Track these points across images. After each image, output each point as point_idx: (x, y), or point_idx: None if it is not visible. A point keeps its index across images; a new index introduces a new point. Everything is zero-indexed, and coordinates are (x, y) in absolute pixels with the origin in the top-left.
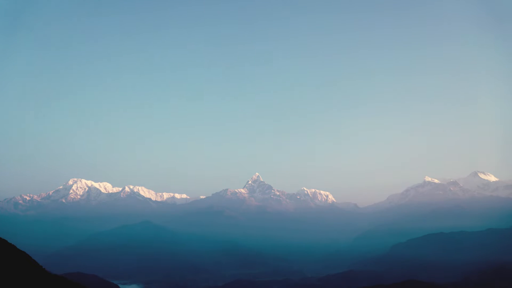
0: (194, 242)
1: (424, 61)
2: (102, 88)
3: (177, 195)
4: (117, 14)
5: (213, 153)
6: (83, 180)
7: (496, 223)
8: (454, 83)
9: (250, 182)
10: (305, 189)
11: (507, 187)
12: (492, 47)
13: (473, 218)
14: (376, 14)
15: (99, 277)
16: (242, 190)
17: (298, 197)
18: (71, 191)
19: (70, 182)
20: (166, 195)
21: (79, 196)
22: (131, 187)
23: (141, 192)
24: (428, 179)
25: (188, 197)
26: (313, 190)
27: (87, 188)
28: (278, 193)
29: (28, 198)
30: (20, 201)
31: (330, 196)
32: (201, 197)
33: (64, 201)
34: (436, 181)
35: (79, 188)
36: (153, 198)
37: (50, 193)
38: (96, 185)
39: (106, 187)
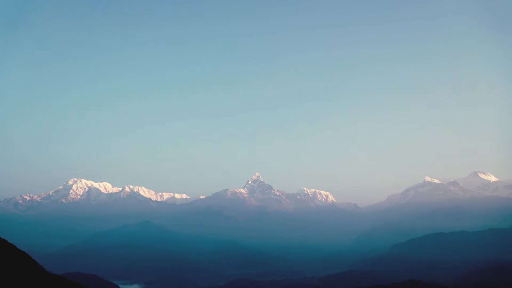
0: (194, 242)
1: (424, 61)
2: (102, 88)
3: (177, 195)
4: (116, 9)
5: (213, 153)
6: (83, 180)
7: (496, 223)
8: (455, 83)
9: (250, 182)
10: (305, 189)
11: (507, 187)
12: (492, 47)
13: (473, 218)
14: (376, 14)
15: (99, 277)
16: (242, 190)
17: (298, 197)
18: (71, 191)
19: (70, 182)
20: (166, 195)
21: (79, 196)
22: (131, 187)
23: (141, 192)
24: (428, 179)
25: (188, 197)
26: (313, 190)
27: (87, 188)
28: (278, 193)
29: (28, 198)
30: (20, 201)
31: (330, 196)
32: (201, 197)
33: (64, 201)
34: (436, 181)
35: (79, 188)
36: (153, 198)
37: (50, 193)
38: (96, 185)
39: (106, 187)
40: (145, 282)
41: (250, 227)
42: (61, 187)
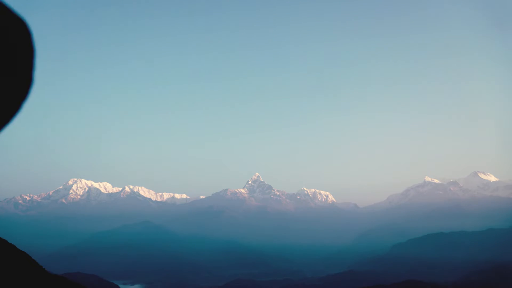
0: (194, 242)
1: (424, 62)
2: (102, 88)
3: (177, 195)
4: (115, 9)
5: (213, 153)
6: (83, 180)
7: (496, 223)
8: (455, 83)
9: (250, 182)
10: (305, 189)
11: (507, 187)
12: (492, 47)
13: (473, 218)
14: (376, 15)
15: (99, 277)
16: (242, 190)
17: (298, 197)
18: (71, 191)
19: (70, 182)
20: (166, 195)
21: (79, 196)
22: (131, 187)
23: (141, 192)
24: (428, 179)
25: (188, 197)
26: (313, 190)
27: (87, 188)
28: (278, 193)
29: (28, 198)
30: (20, 201)
31: (330, 196)
32: (201, 197)
33: (64, 201)
34: (436, 181)
35: (79, 188)
36: (153, 198)
37: (50, 193)
38: (96, 185)
39: (106, 187)
40: (145, 282)
41: (250, 227)
42: (61, 187)
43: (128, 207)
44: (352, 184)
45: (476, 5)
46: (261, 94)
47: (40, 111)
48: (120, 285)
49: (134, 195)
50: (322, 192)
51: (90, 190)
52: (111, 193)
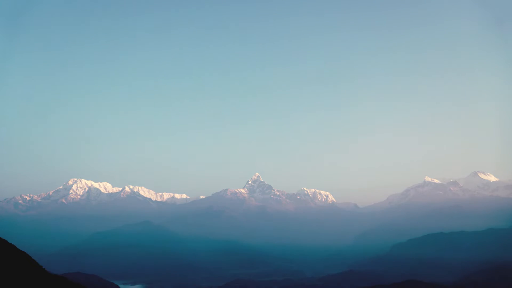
0: (194, 242)
1: (424, 61)
2: (102, 88)
3: (177, 195)
4: (116, 14)
5: (213, 153)
6: (83, 180)
7: (496, 223)
8: (455, 83)
9: (250, 182)
10: (305, 189)
11: (507, 187)
12: (492, 47)
13: (473, 218)
14: (375, 14)
15: (99, 277)
16: (242, 190)
17: (298, 197)
18: (71, 191)
19: (70, 182)
20: (166, 195)
21: (79, 196)
22: (131, 187)
23: (141, 192)
24: (428, 179)
25: (188, 197)
26: (313, 190)
27: (87, 188)
28: (278, 193)
29: (28, 198)
30: (20, 201)
31: (330, 196)
32: (201, 197)
33: (64, 201)
34: (436, 181)
35: (79, 188)
36: (153, 198)
37: (50, 193)
38: (96, 185)
39: (106, 187)
40: (145, 282)
41: (250, 227)
42: (61, 187)
43: (128, 207)
44: (352, 184)
45: (477, 3)
46: (261, 93)
47: (40, 110)
48: (120, 285)
49: (134, 195)
50: (322, 192)
51: (90, 190)
52: (111, 193)
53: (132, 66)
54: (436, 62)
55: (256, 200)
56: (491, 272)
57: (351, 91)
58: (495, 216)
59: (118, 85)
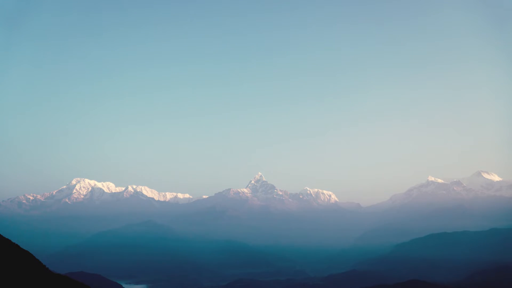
0: (197, 242)
1: (426, 61)
2: (104, 88)
3: (180, 195)
4: (116, 9)
5: (216, 153)
6: (86, 180)
7: (500, 223)
8: (459, 82)
9: (253, 182)
10: (308, 189)
11: (511, 187)
12: (494, 47)
13: (477, 218)
14: (377, 15)
15: (102, 276)
16: (245, 190)
17: (301, 196)
18: (74, 190)
19: (74, 182)
20: (169, 195)
21: (82, 196)
22: (134, 186)
23: (144, 192)
24: (431, 178)
25: (191, 196)
26: (316, 190)
27: (90, 188)
28: (281, 193)
29: (31, 198)
30: (24, 201)
31: (333, 196)
32: (204, 196)
33: (67, 200)
34: (439, 180)
35: (82, 188)
36: (156, 198)
37: (54, 193)
38: (99, 184)
39: (109, 186)
40: (148, 282)
41: (253, 226)
42: (64, 187)
43: (131, 206)
44: (355, 184)
45: (477, 6)
46: (263, 94)
47: (43, 110)
48: (123, 285)
49: (137, 195)
50: (325, 191)
51: (93, 190)
52: (114, 192)
53: (135, 65)
54: (438, 63)
55: (259, 200)
56: (495, 272)
57: (354, 92)
58: (498, 216)
59: (121, 85)
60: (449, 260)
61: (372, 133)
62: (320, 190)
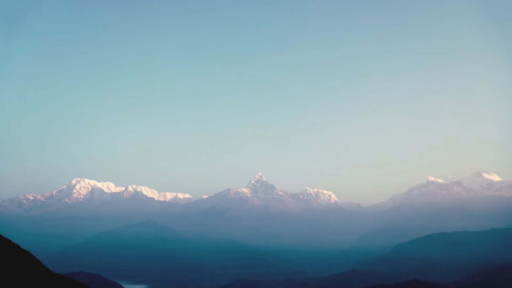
0: (197, 242)
1: (425, 61)
2: (104, 88)
3: (180, 195)
4: (118, 15)
5: (216, 152)
6: (86, 180)
7: (500, 223)
8: (458, 82)
9: (253, 181)
10: (308, 189)
11: (511, 187)
12: (494, 46)
13: (477, 218)
14: (377, 15)
15: (102, 276)
16: (245, 190)
17: (301, 196)
18: (74, 190)
19: (74, 182)
20: (169, 195)
21: (82, 196)
22: (134, 186)
23: (144, 192)
24: (431, 178)
25: (190, 196)
26: (316, 190)
27: (90, 188)
28: (281, 193)
29: (31, 198)
30: (24, 201)
31: (333, 196)
32: (204, 197)
33: (67, 200)
34: (439, 180)
35: (82, 188)
36: (156, 198)
37: (54, 192)
38: (99, 184)
39: (109, 186)
40: (148, 282)
41: (252, 227)
42: (64, 186)
43: (131, 206)
44: (355, 184)
45: (477, 4)
46: (263, 94)
47: (43, 110)
48: (123, 285)
49: (137, 195)
50: (325, 191)
51: (93, 190)
52: (114, 192)
53: (135, 65)
54: (438, 62)
55: (258, 199)
56: (495, 272)
57: (353, 92)
58: (498, 216)
59: (121, 85)
60: (449, 260)
61: (372, 133)
62: (320, 190)
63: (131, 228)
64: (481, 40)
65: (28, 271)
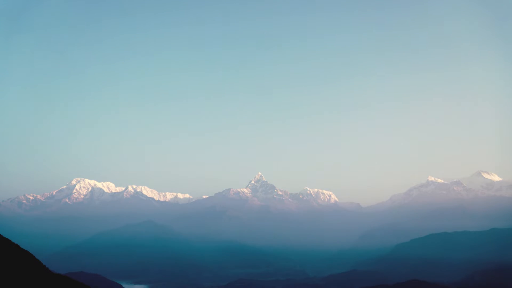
0: (197, 242)
1: (425, 60)
2: (104, 88)
3: (180, 195)
4: (118, 14)
5: (216, 152)
6: (86, 180)
7: (500, 223)
8: (458, 82)
9: (253, 181)
10: (308, 188)
11: (511, 187)
12: (494, 45)
13: (477, 218)
14: (376, 14)
15: (102, 276)
16: (245, 190)
17: (301, 196)
18: (74, 190)
19: (74, 182)
20: (169, 195)
21: (82, 196)
22: (134, 186)
23: (144, 192)
24: (431, 178)
25: (191, 196)
26: (316, 189)
27: (90, 188)
28: (281, 193)
29: (31, 197)
30: (24, 201)
31: (333, 196)
32: (204, 196)
33: (67, 200)
34: (439, 180)
35: (82, 188)
36: (156, 198)
37: (54, 192)
38: (99, 184)
39: (109, 186)
40: (148, 282)
41: (252, 226)
42: (64, 186)
43: (131, 206)
44: (355, 184)
45: (476, 3)
46: (264, 93)
47: (43, 110)
48: (123, 285)
49: (137, 195)
50: (325, 191)
51: (93, 190)
52: (114, 192)
53: (135, 65)
54: (438, 62)
55: (259, 200)
56: (495, 272)
57: (353, 91)
58: (498, 216)
59: (121, 85)
60: (449, 260)
61: (372, 133)
62: (320, 190)
63: (131, 228)
64: (482, 39)
65: (28, 271)
